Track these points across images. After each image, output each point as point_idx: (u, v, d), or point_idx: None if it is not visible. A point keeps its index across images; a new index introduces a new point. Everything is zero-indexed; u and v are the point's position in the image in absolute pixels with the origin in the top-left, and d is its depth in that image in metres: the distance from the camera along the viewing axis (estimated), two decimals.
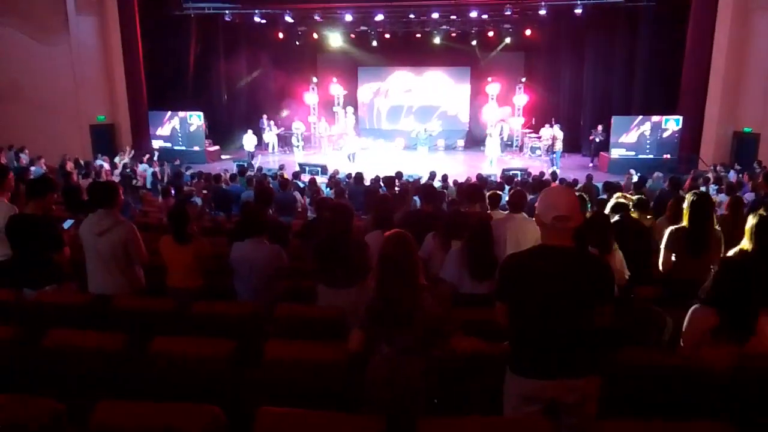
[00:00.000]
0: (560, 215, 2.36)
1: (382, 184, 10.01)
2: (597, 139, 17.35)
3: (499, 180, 12.55)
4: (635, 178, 12.15)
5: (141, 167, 14.57)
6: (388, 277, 2.52)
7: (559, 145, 17.16)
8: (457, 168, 16.50)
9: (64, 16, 16.21)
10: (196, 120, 18.25)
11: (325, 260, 3.97)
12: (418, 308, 2.47)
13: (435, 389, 2.61)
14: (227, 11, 17.99)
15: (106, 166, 14.17)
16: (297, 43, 20.66)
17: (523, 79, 19.89)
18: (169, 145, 18.34)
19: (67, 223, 4.79)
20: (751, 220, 3.64)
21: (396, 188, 9.29)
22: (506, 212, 5.19)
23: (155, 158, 15.99)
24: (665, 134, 16.33)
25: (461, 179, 12.52)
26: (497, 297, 2.54)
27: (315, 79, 20.59)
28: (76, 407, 2.21)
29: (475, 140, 21.09)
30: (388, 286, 2.51)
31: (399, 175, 11.62)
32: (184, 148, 18.30)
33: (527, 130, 19.89)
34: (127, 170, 13.67)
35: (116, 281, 4.16)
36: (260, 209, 4.80)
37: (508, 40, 19.68)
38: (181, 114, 18.29)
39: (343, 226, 3.96)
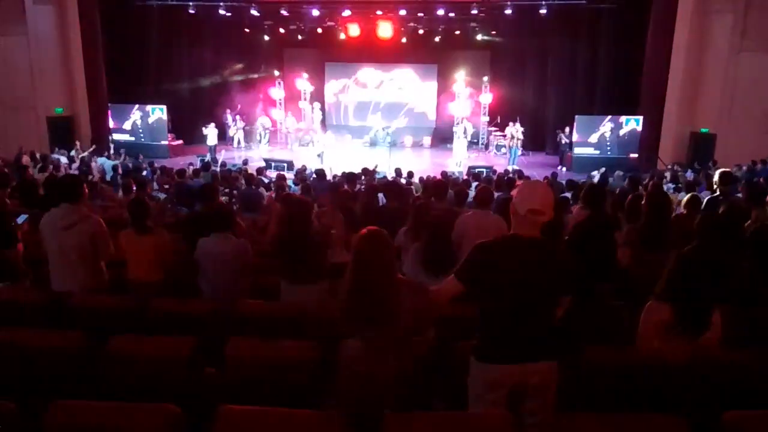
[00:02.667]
0: (535, 209, 2.46)
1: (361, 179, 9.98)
2: (563, 141, 17.56)
3: (465, 177, 12.65)
4: (597, 177, 12.43)
5: (100, 161, 14.21)
6: (363, 275, 2.49)
7: (517, 143, 17.33)
8: (423, 165, 16.58)
9: (21, 6, 15.69)
10: (158, 113, 17.89)
11: (287, 255, 3.95)
12: (393, 306, 2.46)
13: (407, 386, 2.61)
14: (191, 3, 17.66)
15: (64, 159, 13.77)
16: (266, 38, 20.39)
17: (486, 78, 20.07)
18: (131, 138, 17.93)
19: (21, 218, 4.64)
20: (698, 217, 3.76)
21: (359, 185, 9.28)
22: (472, 209, 5.24)
23: (114, 152, 15.63)
24: (626, 133, 16.70)
25: (427, 176, 12.56)
26: (457, 276, 2.58)
27: (277, 73, 20.40)
28: (29, 408, 2.15)
29: (441, 137, 21.25)
30: (364, 282, 2.48)
31: (366, 171, 11.62)
32: (146, 141, 17.91)
33: (493, 128, 20.11)
34: (83, 165, 13.30)
35: (81, 277, 4.05)
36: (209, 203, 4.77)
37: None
38: (144, 107, 17.90)
39: (301, 221, 3.94)
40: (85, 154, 14.92)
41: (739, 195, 6.72)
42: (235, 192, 9.99)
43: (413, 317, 2.53)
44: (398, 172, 12.16)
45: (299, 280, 3.89)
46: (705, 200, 6.38)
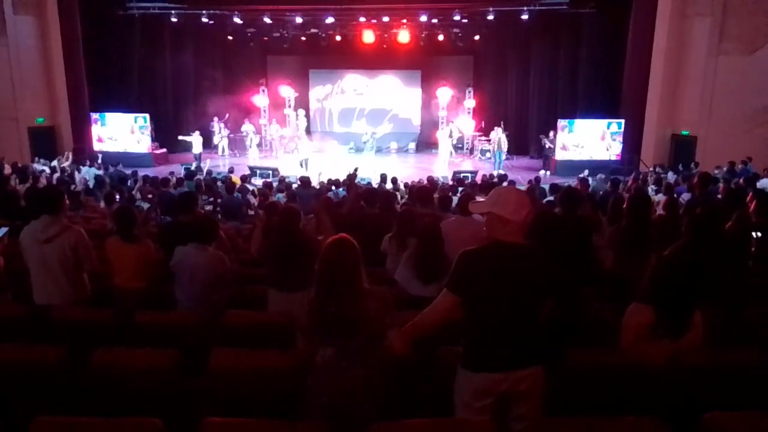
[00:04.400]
0: (530, 211, 2.50)
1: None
2: (547, 145, 17.71)
3: (450, 182, 12.70)
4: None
5: (83, 170, 14.07)
6: (330, 283, 2.50)
7: (502, 147, 17.45)
8: (407, 171, 16.63)
9: (1, 17, 15.56)
10: (141, 122, 17.76)
11: (275, 263, 3.94)
12: (361, 314, 2.47)
13: (384, 394, 2.61)
14: (173, 11, 17.59)
15: (47, 170, 13.63)
16: (251, 44, 20.32)
17: (469, 83, 20.22)
18: (113, 148, 17.79)
19: (1, 231, 4.58)
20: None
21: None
22: (455, 216, 5.26)
23: (98, 161, 15.49)
24: (608, 136, 16.86)
25: (412, 181, 12.60)
26: (450, 289, 2.57)
27: (261, 83, 20.37)
28: (11, 424, 2.12)
29: (426, 143, 21.34)
30: (329, 292, 2.49)
31: (349, 177, 11.60)
32: (129, 151, 17.78)
33: (477, 133, 20.23)
34: (66, 175, 13.17)
35: (63, 290, 4.01)
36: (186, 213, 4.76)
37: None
38: (127, 116, 17.77)
39: (291, 228, 3.95)
40: (66, 164, 14.78)
41: (719, 196, 6.82)
42: (219, 201, 9.95)
43: (378, 327, 2.52)
44: (383, 178, 12.18)
45: (288, 288, 3.88)
46: (685, 202, 6.47)
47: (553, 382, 2.62)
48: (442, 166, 17.74)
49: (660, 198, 8.32)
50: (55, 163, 14.98)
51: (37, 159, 15.14)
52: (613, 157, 16.83)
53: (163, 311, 3.76)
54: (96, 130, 17.92)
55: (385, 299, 2.57)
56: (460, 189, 10.10)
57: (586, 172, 14.01)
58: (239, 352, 2.83)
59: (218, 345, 2.94)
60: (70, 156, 15.67)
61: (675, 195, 8.05)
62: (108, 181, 11.54)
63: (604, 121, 16.88)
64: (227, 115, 19.34)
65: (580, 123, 17.03)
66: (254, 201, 10.02)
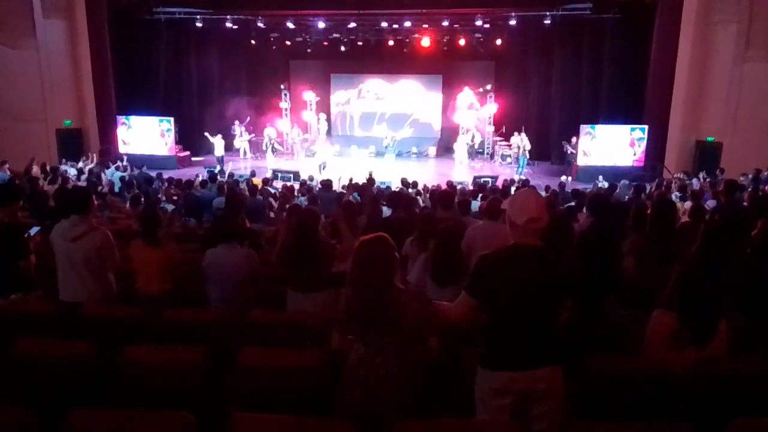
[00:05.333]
0: (533, 217, 2.52)
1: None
2: (569, 151, 17.57)
3: (471, 187, 12.68)
4: (605, 185, 12.44)
5: (108, 172, 14.32)
6: (366, 279, 2.53)
7: (525, 152, 17.39)
8: (428, 175, 16.64)
9: (31, 21, 15.89)
10: (166, 125, 18.04)
11: (294, 264, 4.00)
12: (398, 310, 2.50)
13: (411, 392, 2.64)
14: (198, 16, 17.86)
15: (73, 171, 13.89)
16: (274, 48, 20.53)
17: (489, 87, 20.20)
18: (138, 150, 18.08)
19: (34, 230, 4.70)
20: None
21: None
22: (481, 220, 5.27)
23: (124, 162, 15.75)
24: (631, 142, 16.72)
25: (432, 186, 12.62)
26: (469, 292, 2.62)
27: (282, 87, 20.57)
28: (47, 416, 2.19)
29: (446, 148, 21.34)
30: (365, 288, 2.53)
31: (368, 181, 11.70)
32: (153, 153, 18.05)
33: (498, 138, 20.17)
34: (93, 176, 13.41)
35: (88, 288, 4.11)
36: (232, 215, 4.82)
37: None
38: (152, 119, 18.05)
39: (309, 230, 4.00)
40: (93, 165, 15.05)
41: (745, 204, 6.73)
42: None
43: (414, 324, 2.56)
44: (404, 182, 12.22)
45: (304, 289, 3.94)
46: (711, 209, 6.40)
47: (574, 386, 2.63)
48: (461, 171, 17.73)
49: (687, 205, 8.23)
50: (80, 164, 15.26)
51: (63, 161, 15.43)
52: (637, 164, 16.67)
53: (191, 309, 3.82)
54: (121, 132, 18.23)
55: (423, 298, 2.61)
56: (481, 194, 10.07)
57: (600, 177, 13.91)
58: (266, 350, 2.88)
59: (244, 342, 3.00)
60: (95, 158, 15.94)
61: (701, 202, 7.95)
62: (135, 182, 11.73)
63: (628, 127, 16.72)
64: (248, 118, 19.55)
65: (603, 128, 16.89)
66: (275, 204, 10.11)
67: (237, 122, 19.31)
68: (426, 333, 2.76)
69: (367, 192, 9.85)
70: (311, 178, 13.29)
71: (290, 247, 4.07)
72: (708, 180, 13.04)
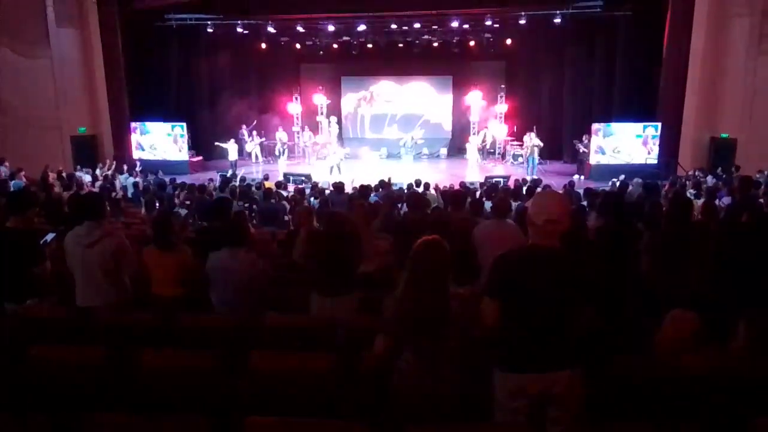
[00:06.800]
0: (552, 219, 2.49)
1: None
2: (581, 150, 17.43)
3: (483, 187, 12.64)
4: (618, 184, 12.32)
5: (121, 178, 14.46)
6: (423, 284, 2.49)
7: (535, 153, 17.30)
8: (439, 176, 16.60)
9: (44, 29, 16.09)
10: (179, 130, 18.18)
11: (324, 268, 3.98)
12: (451, 315, 2.46)
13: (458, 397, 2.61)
14: (209, 22, 17.99)
15: (88, 178, 14.04)
16: (284, 52, 20.60)
17: (503, 86, 20.15)
18: (151, 156, 18.24)
19: (49, 236, 4.75)
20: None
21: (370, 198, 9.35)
22: (490, 219, 5.25)
23: (137, 169, 15.89)
24: (644, 140, 16.57)
25: (443, 187, 12.59)
26: (488, 293, 2.60)
27: (295, 97, 20.68)
28: (61, 421, 2.20)
29: (458, 148, 21.32)
30: (424, 292, 2.48)
31: (383, 183, 11.70)
32: (166, 158, 18.20)
33: (509, 138, 20.10)
34: (107, 182, 13.55)
35: (104, 293, 4.14)
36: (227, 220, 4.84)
37: None
38: (164, 125, 18.21)
39: (341, 234, 3.99)
40: (108, 172, 15.21)
41: (761, 201, 6.64)
42: (254, 206, 10.10)
43: (465, 329, 2.53)
44: (417, 182, 12.20)
45: (332, 293, 3.92)
46: (725, 207, 6.31)
47: (593, 388, 2.60)
48: (473, 171, 17.69)
49: (699, 202, 8.14)
50: (97, 171, 15.42)
51: (78, 167, 15.60)
52: (651, 161, 16.52)
53: (203, 314, 3.83)
54: (135, 138, 18.40)
55: (471, 303, 2.58)
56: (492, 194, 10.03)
57: (622, 177, 13.77)
58: (278, 354, 2.88)
59: (257, 347, 2.99)
60: (112, 164, 16.10)
61: (716, 200, 7.85)
62: (150, 188, 11.84)
63: (641, 125, 16.57)
64: (254, 122, 19.65)
65: (616, 126, 16.76)
66: (288, 207, 10.14)
67: (244, 126, 19.43)
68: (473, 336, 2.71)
69: (388, 193, 9.88)
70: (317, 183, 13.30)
71: (318, 251, 4.05)
72: (724, 177, 12.89)
